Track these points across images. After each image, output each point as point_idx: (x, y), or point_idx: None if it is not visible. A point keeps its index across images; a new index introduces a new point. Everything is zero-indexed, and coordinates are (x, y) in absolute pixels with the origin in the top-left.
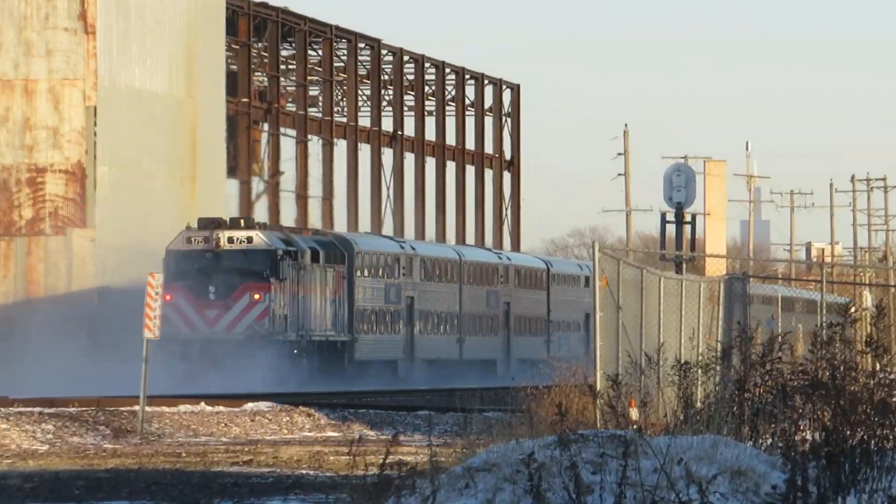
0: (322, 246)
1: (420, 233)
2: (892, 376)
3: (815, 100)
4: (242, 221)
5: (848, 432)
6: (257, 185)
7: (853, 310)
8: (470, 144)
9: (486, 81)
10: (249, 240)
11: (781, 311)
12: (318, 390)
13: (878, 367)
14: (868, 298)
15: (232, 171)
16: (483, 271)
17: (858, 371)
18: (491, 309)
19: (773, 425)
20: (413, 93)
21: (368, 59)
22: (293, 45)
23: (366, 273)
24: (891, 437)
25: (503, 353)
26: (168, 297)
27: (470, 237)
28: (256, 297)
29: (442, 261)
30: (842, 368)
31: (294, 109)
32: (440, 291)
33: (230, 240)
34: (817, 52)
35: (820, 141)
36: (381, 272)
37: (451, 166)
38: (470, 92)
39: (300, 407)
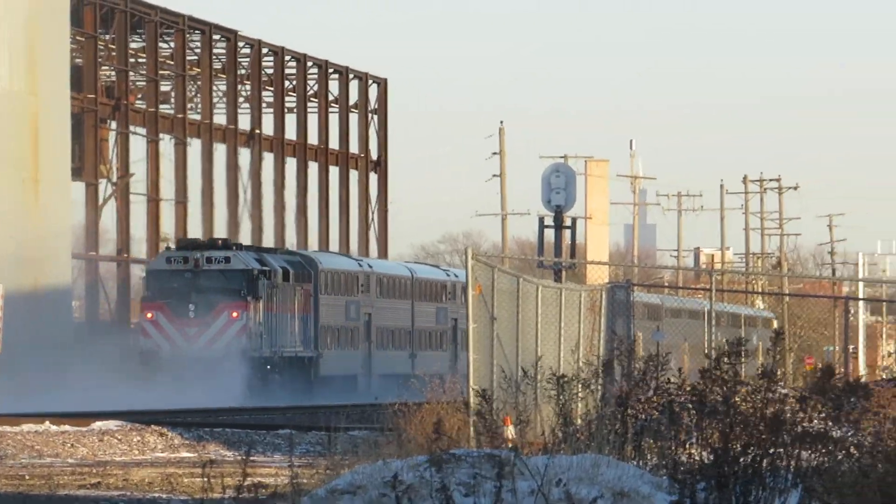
0: (291, 265)
1: (280, 239)
2: (783, 391)
3: (704, 97)
4: (220, 242)
5: (738, 451)
6: (105, 188)
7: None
8: (334, 143)
9: (350, 75)
10: (227, 260)
11: (677, 322)
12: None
13: (769, 383)
14: (760, 306)
15: (77, 173)
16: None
17: (748, 387)
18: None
19: (658, 444)
20: (272, 88)
21: (224, 51)
22: (143, 36)
23: (329, 291)
24: (783, 455)
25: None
26: (149, 315)
27: (334, 243)
28: (234, 315)
29: (395, 278)
30: (731, 385)
31: (144, 106)
32: (396, 308)
33: (208, 260)
34: (705, 47)
35: (710, 140)
36: (341, 290)
37: (313, 167)
38: (334, 87)
39: (152, 426)
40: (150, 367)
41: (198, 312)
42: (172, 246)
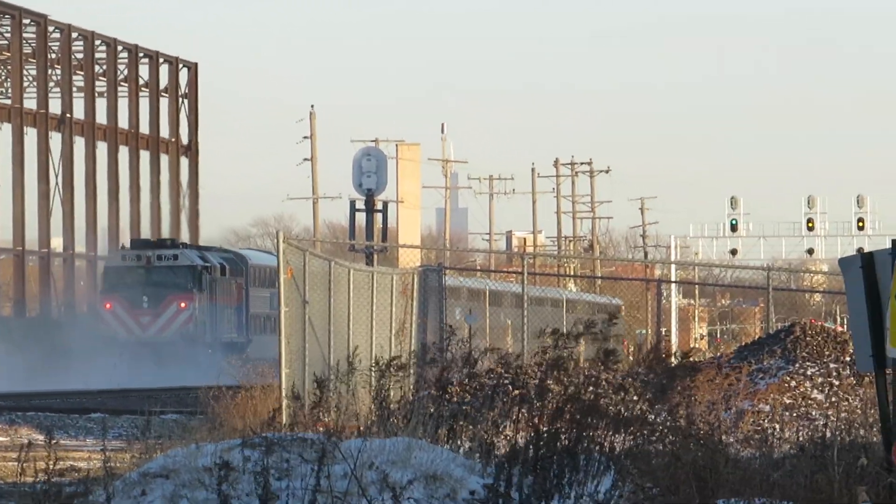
0: (227, 261)
1: (92, 223)
2: (603, 376)
3: (515, 81)
4: (168, 241)
5: (553, 434)
6: None
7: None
8: (144, 128)
9: (161, 60)
10: (175, 257)
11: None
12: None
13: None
14: (572, 289)
15: None
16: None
17: (564, 371)
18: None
19: (473, 428)
20: (83, 72)
21: (34, 35)
22: None
23: (257, 284)
24: (598, 439)
25: None
26: (108, 306)
27: (145, 228)
28: (182, 305)
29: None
30: (544, 367)
31: None
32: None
33: (159, 257)
34: (515, 31)
35: (522, 124)
36: (266, 283)
37: (124, 151)
38: (144, 71)
39: None
40: (107, 352)
41: (150, 303)
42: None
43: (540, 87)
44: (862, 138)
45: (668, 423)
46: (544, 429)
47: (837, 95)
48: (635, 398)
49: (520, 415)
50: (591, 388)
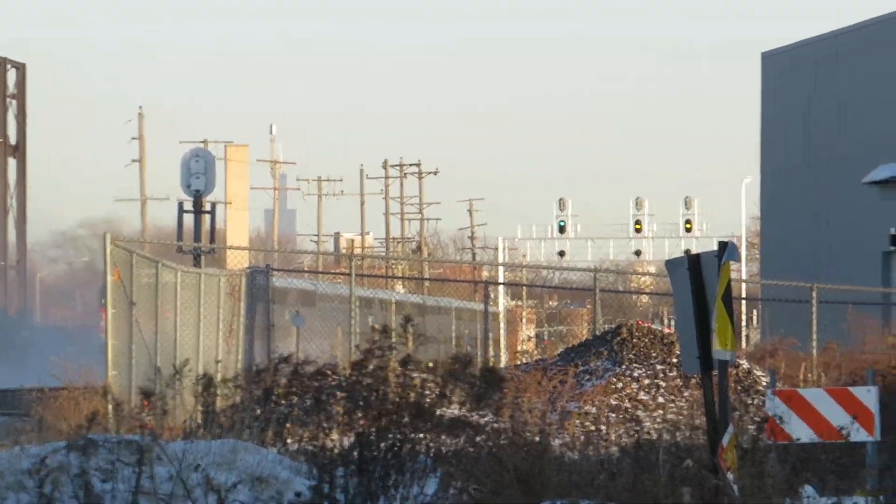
0: None
1: None
2: (422, 377)
3: (342, 83)
4: None
5: (378, 436)
6: None
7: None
8: None
9: None
10: None
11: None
12: None
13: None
14: (401, 290)
15: None
16: None
17: (389, 372)
18: None
19: (300, 430)
20: None
21: None
22: None
23: None
24: (423, 440)
25: None
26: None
27: None
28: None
29: None
30: (370, 368)
31: None
32: None
33: None
34: (343, 30)
35: (351, 125)
36: None
37: None
38: None
39: None
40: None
41: None
42: None
43: (370, 89)
44: (689, 140)
45: (491, 426)
46: (369, 431)
47: (664, 96)
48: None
49: (345, 417)
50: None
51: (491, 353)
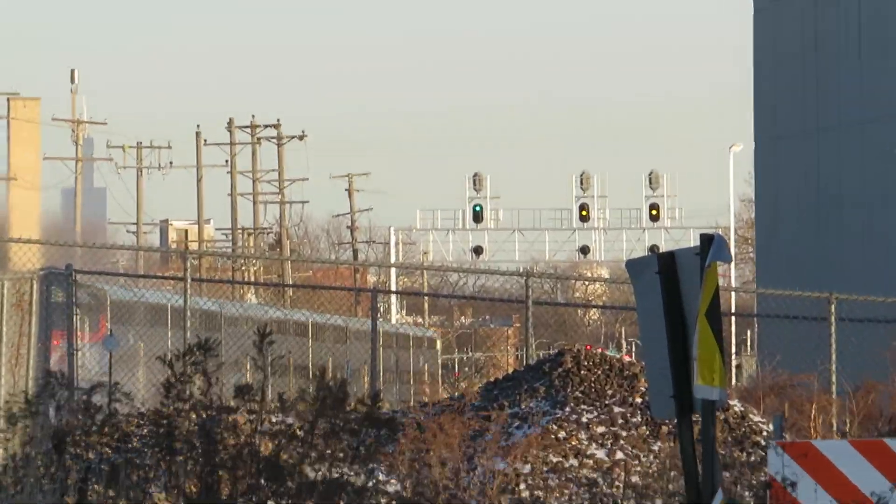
0: None
1: None
2: (288, 419)
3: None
4: None
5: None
6: None
7: None
8: None
9: None
10: None
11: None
12: None
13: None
14: (252, 300)
15: None
16: None
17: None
18: None
19: (115, 494)
20: None
21: None
22: None
23: None
24: None
25: None
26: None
27: None
28: None
29: None
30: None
31: None
32: None
33: None
34: None
35: (183, 72)
36: None
37: None
38: None
39: None
40: None
41: None
42: None
43: (207, 24)
44: (653, 93)
45: (391, 490)
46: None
47: (614, 21)
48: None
49: (174, 475)
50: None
51: (381, 388)
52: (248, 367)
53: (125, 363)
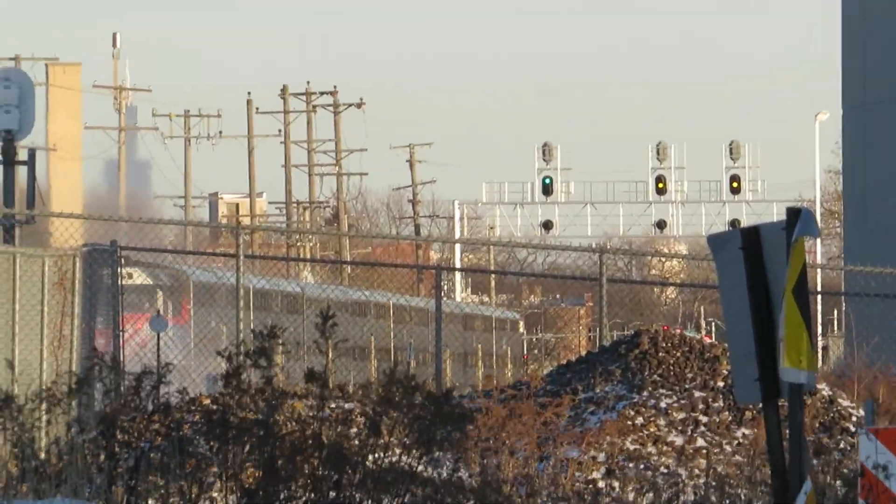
0: None
1: None
2: (347, 405)
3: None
4: None
5: (282, 495)
6: None
7: None
8: None
9: None
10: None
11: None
12: None
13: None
14: (308, 279)
15: None
16: None
17: (291, 402)
18: None
19: (165, 484)
20: None
21: None
22: None
23: None
24: (347, 500)
25: None
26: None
27: None
28: None
29: None
30: (269, 398)
31: None
32: None
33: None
34: None
35: (232, 37)
36: None
37: None
38: None
39: None
40: None
41: None
42: None
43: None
44: (733, 62)
45: (453, 480)
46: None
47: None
48: (392, 441)
49: (231, 464)
50: (331, 427)
51: (448, 372)
52: (329, 349)
53: (207, 347)
